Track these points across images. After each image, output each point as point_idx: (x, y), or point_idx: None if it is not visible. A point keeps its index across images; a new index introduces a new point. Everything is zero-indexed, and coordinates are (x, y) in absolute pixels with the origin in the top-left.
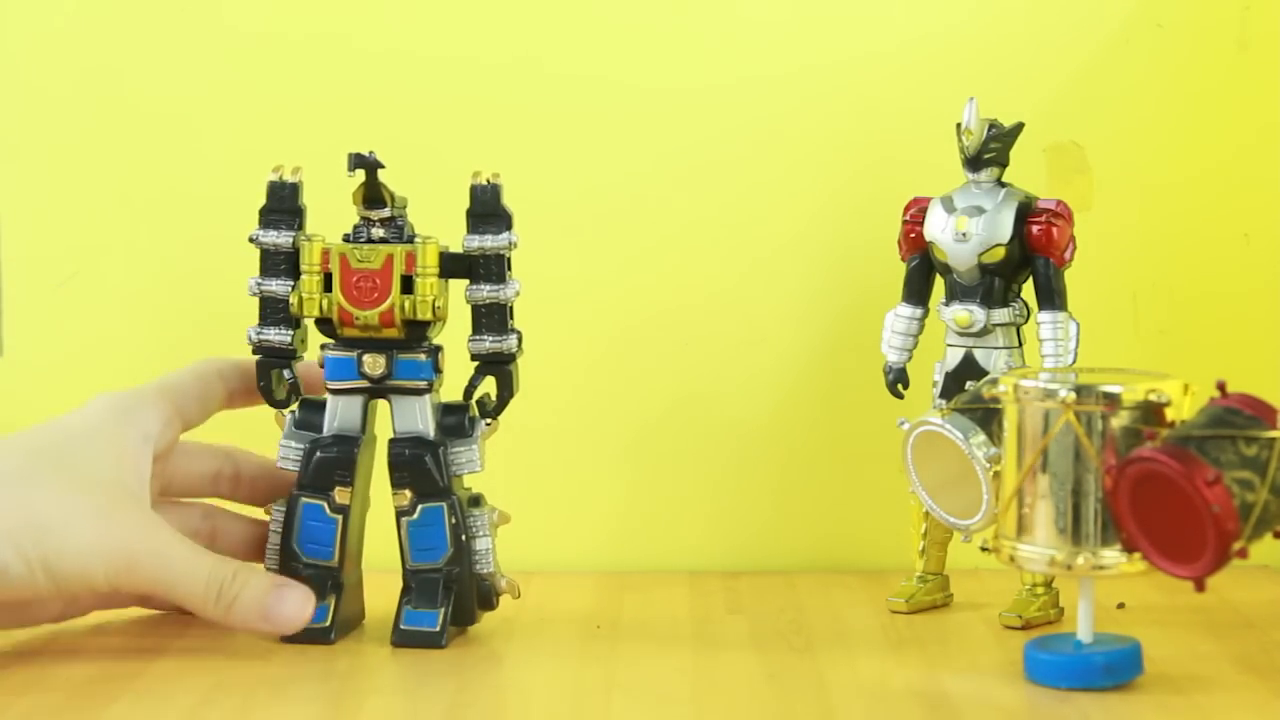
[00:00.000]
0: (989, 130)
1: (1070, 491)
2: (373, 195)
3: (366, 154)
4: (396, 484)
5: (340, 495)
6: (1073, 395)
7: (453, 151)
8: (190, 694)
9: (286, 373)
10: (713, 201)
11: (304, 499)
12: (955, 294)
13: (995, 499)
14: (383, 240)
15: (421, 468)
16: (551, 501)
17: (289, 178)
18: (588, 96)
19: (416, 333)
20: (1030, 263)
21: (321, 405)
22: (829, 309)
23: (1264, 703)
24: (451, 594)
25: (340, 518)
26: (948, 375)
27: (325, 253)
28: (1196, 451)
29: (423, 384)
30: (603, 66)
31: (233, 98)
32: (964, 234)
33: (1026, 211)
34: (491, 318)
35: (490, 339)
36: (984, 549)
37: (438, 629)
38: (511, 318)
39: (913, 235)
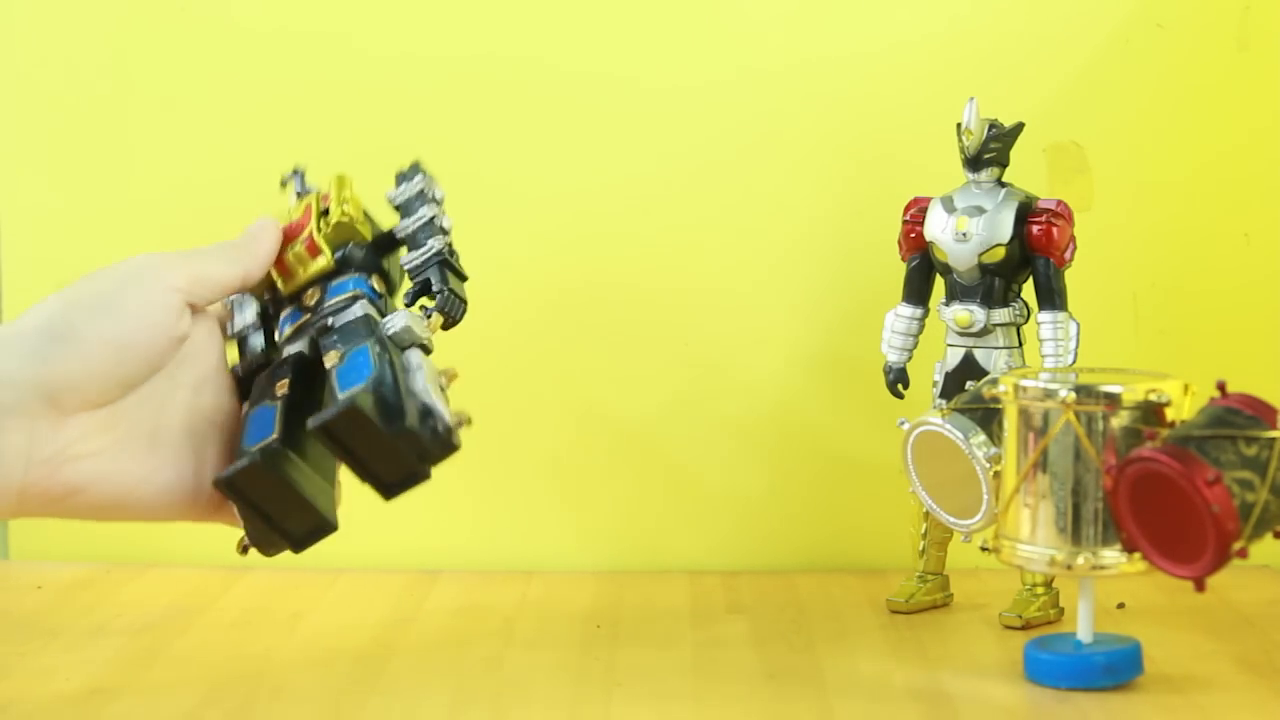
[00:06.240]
0: (989, 130)
1: (1070, 491)
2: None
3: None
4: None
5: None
6: (1073, 395)
7: (453, 149)
8: (190, 694)
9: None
10: (713, 201)
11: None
12: (955, 294)
13: (995, 499)
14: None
15: (350, 325)
16: (551, 501)
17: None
18: (588, 94)
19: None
20: (1030, 263)
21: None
22: (829, 309)
23: (1264, 703)
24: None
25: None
26: (948, 375)
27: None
28: (1196, 451)
29: (348, 295)
30: (603, 64)
31: (234, 97)
32: (964, 234)
33: (1027, 211)
34: (414, 239)
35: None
36: (984, 549)
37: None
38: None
39: (913, 235)
